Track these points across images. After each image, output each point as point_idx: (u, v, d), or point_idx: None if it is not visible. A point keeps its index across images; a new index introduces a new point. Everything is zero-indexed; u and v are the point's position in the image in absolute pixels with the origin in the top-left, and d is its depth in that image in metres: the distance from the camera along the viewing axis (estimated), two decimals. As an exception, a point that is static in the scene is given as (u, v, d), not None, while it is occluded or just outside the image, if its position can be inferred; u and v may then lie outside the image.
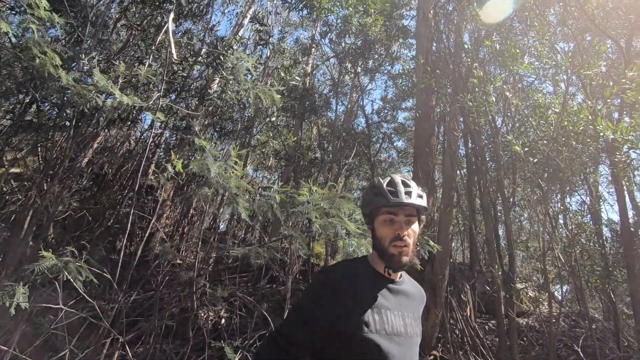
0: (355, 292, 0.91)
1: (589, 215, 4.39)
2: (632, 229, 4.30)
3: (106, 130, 5.37)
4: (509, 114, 5.60)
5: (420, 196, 1.00)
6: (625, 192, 4.60)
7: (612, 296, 3.78)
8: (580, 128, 4.83)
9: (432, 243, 3.96)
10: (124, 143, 5.57)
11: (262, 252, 3.88)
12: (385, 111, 8.06)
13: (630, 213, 4.38)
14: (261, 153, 6.81)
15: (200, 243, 3.82)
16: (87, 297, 3.22)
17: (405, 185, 0.99)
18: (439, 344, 3.90)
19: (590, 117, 4.54)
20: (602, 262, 3.97)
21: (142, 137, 5.74)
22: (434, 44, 6.91)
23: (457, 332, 4.06)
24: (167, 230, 5.04)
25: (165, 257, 3.83)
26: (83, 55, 4.99)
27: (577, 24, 6.50)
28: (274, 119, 5.83)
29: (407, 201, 0.96)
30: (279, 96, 4.89)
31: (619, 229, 4.18)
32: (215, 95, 6.44)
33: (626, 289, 3.86)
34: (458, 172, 5.38)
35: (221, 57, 5.80)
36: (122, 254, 3.58)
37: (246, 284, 4.24)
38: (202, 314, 3.76)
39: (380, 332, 0.86)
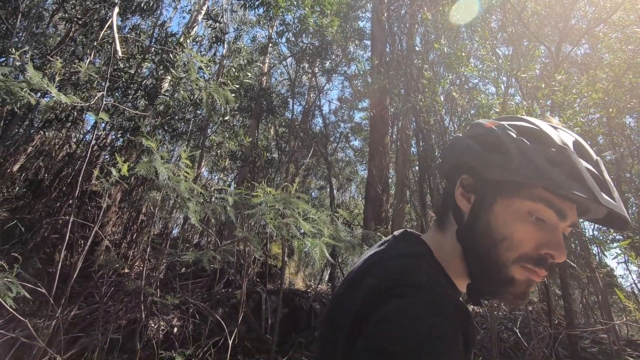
0: (469, 337, 0.47)
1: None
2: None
3: (42, 132, 4.95)
4: (456, 113, 5.93)
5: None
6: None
7: (545, 279, 4.14)
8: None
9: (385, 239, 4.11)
10: (63, 146, 5.16)
11: (215, 256, 3.80)
12: (342, 111, 8.26)
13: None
14: (216, 154, 6.64)
15: (149, 250, 3.65)
16: (18, 315, 2.96)
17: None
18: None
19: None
20: (537, 250, 4.34)
21: (85, 139, 5.36)
22: (388, 46, 7.14)
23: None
24: (114, 237, 4.74)
25: (109, 266, 3.62)
26: (13, 50, 4.58)
27: (515, 30, 7.01)
28: (227, 118, 5.71)
29: (625, 214, 0.49)
30: (233, 95, 4.80)
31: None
32: (167, 94, 6.18)
33: (557, 271, 4.24)
34: (410, 169, 5.63)
35: (171, 54, 5.58)
36: (60, 266, 3.33)
37: (200, 290, 4.11)
38: (153, 324, 3.59)
39: None
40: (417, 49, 6.82)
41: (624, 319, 3.87)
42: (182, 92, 6.24)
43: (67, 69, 5.26)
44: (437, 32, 6.64)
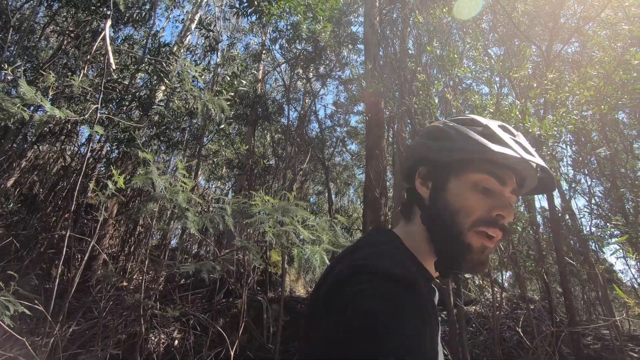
0: (432, 321, 0.50)
1: (523, 205, 4.80)
2: (559, 214, 4.75)
3: (36, 147, 4.90)
4: (450, 114, 5.95)
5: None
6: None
7: (546, 277, 4.14)
8: (512, 126, 5.24)
9: (384, 243, 4.10)
10: (58, 160, 5.11)
11: (215, 266, 3.77)
12: (338, 115, 8.27)
13: (557, 200, 4.84)
14: (213, 163, 6.60)
15: (147, 262, 3.62)
16: (15, 334, 2.92)
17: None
18: (396, 341, 4.02)
19: (519, 116, 4.96)
20: (536, 247, 4.36)
21: (79, 152, 5.31)
22: (381, 50, 7.19)
23: (413, 327, 4.21)
24: (111, 251, 4.69)
25: (107, 280, 3.58)
26: (6, 65, 4.56)
27: (506, 30, 7.07)
28: (222, 126, 5.69)
29: (544, 164, 0.58)
30: (228, 104, 4.80)
31: (548, 215, 4.63)
32: (161, 104, 6.16)
33: (557, 269, 4.24)
34: (407, 172, 5.64)
35: (165, 64, 5.57)
36: (57, 281, 3.29)
37: (200, 301, 4.07)
38: (153, 338, 3.55)
39: None
40: (410, 52, 6.86)
41: (625, 315, 3.87)
42: (176, 101, 6.23)
43: (60, 82, 5.24)
44: (430, 34, 6.69)
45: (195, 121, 6.28)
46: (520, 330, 3.95)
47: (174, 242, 5.62)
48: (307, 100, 8.23)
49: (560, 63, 6.87)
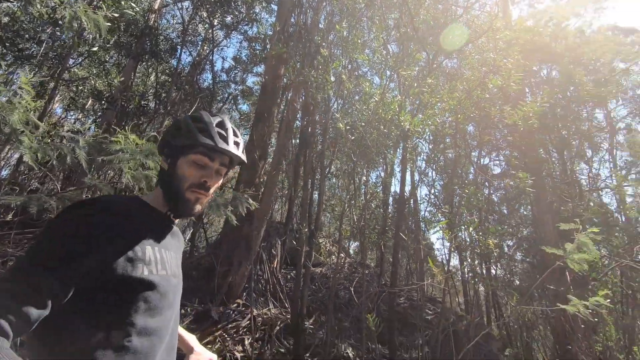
0: (131, 225, 0.79)
1: (381, 187, 5.56)
2: (406, 198, 5.61)
3: None
4: (342, 95, 6.35)
5: (244, 151, 0.94)
6: (408, 172, 5.90)
7: (383, 248, 4.91)
8: (389, 117, 5.90)
9: (251, 201, 4.26)
10: None
11: (50, 202, 3.37)
12: (235, 72, 7.94)
13: (407, 188, 5.71)
14: (76, 90, 5.65)
15: (-42, 187, 3.02)
16: None
17: (235, 134, 0.92)
18: (244, 293, 4.37)
19: (397, 109, 5.61)
20: (382, 223, 5.13)
21: None
22: (294, 17, 7.10)
23: (263, 282, 4.64)
24: None
25: None
26: None
27: (406, 32, 7.73)
28: (95, 48, 4.89)
29: (235, 152, 0.88)
30: (107, 24, 4.16)
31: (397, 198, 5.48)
32: (16, 4, 4.96)
33: (393, 243, 5.08)
34: (291, 141, 5.89)
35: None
36: None
37: (28, 242, 3.60)
38: (-48, 273, 3.03)
39: (161, 273, 0.79)
40: (320, 26, 6.95)
41: (431, 281, 4.87)
42: (38, 6, 5.10)
43: None
44: (342, 14, 6.90)
45: (62, 37, 5.27)
46: (352, 289, 4.65)
47: (4, 173, 4.70)
48: (205, 48, 7.63)
49: (440, 73, 7.90)
